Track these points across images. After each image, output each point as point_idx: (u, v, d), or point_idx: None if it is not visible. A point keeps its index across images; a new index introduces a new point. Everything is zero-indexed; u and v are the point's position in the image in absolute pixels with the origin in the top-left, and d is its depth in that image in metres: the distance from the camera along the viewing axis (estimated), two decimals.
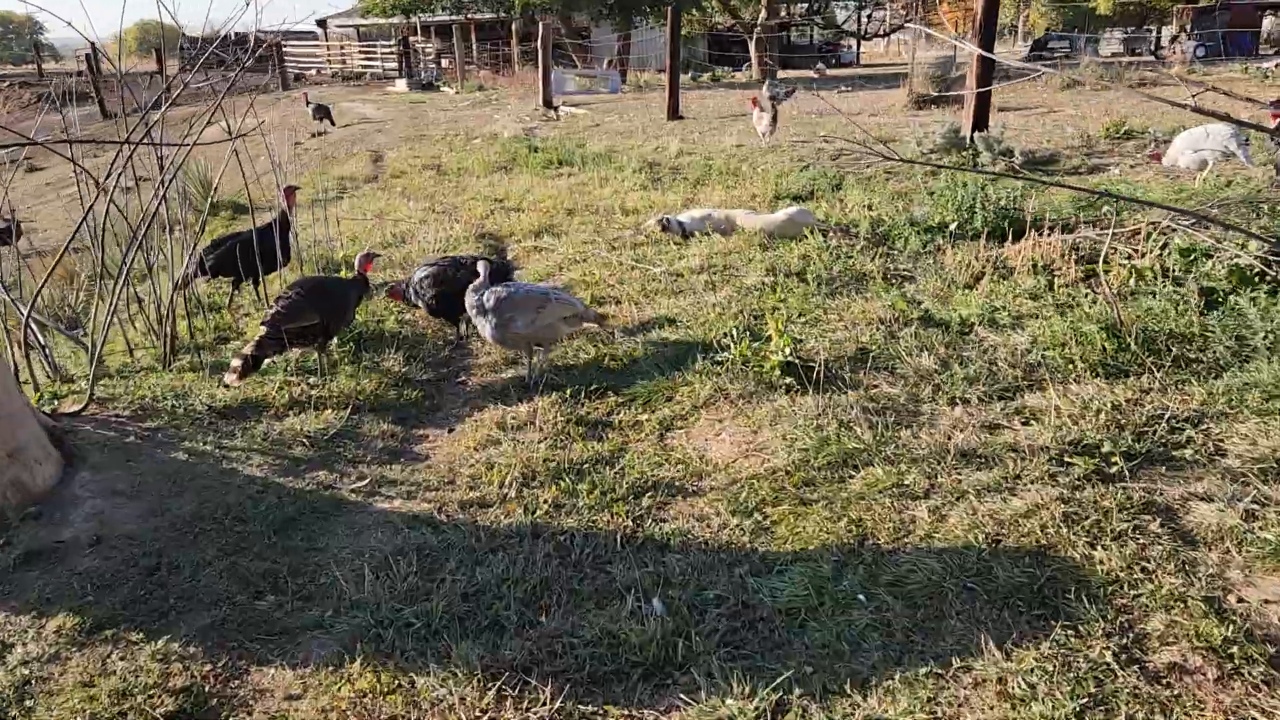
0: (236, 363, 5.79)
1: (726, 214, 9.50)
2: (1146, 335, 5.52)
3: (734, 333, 5.81)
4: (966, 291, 7.16)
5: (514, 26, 33.51)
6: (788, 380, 5.41)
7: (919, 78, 18.79)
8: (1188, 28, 30.84)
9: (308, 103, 22.80)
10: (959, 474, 4.30)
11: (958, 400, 5.07)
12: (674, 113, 18.76)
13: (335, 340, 6.70)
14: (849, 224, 9.40)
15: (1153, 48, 40.39)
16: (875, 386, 5.34)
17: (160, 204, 6.63)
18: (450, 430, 5.55)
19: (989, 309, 6.47)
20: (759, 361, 5.60)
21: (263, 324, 5.81)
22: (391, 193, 13.36)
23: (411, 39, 40.07)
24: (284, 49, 40.24)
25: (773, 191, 11.32)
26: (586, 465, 4.85)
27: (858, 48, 50.88)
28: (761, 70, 30.69)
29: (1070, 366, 5.39)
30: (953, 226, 8.99)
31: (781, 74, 31.22)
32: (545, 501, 4.48)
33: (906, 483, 4.28)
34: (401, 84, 32.21)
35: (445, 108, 25.83)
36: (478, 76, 31.14)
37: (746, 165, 13.30)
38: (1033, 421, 4.75)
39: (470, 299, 5.89)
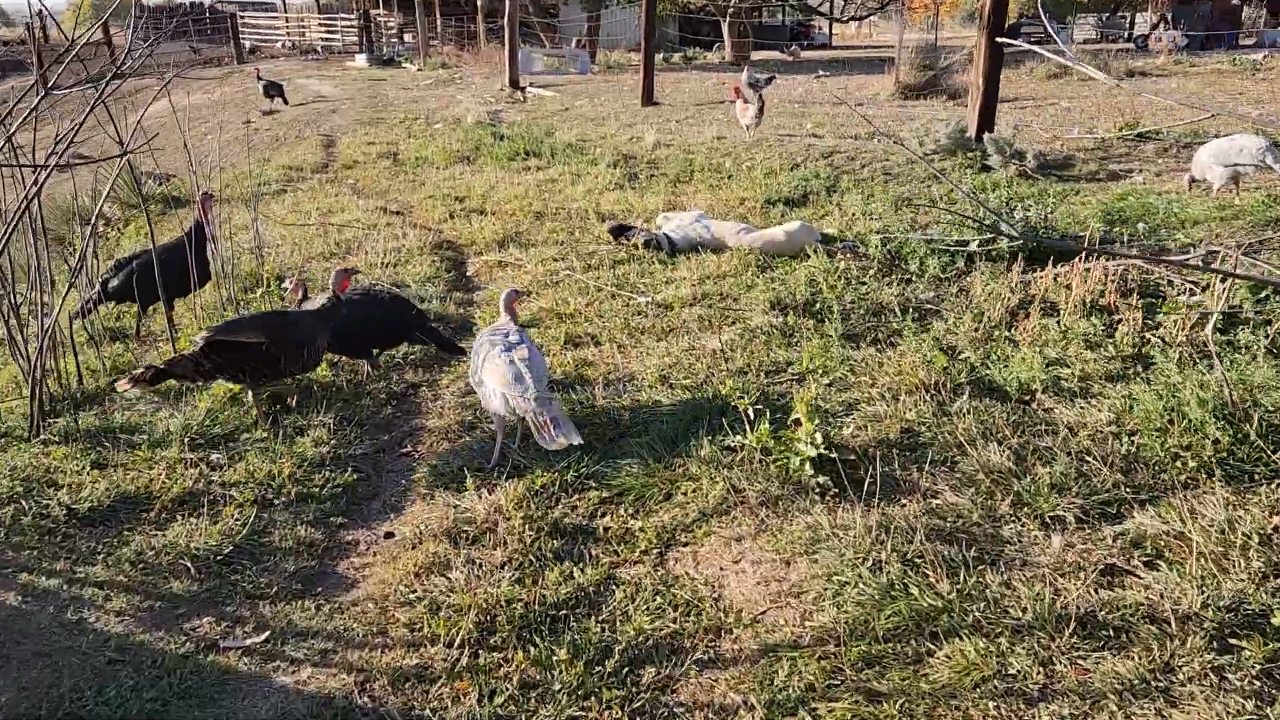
0: (141, 373, 4.82)
1: (717, 230, 8.18)
2: (1268, 423, 4.30)
3: (746, 405, 4.50)
4: (1008, 334, 5.94)
5: (479, 2, 31.81)
6: (822, 480, 4.13)
7: (905, 65, 17.52)
8: (1168, 16, 29.82)
9: (259, 79, 21.15)
10: (1082, 657, 3.05)
11: (1049, 520, 3.82)
12: (649, 98, 17.39)
13: (290, 381, 5.40)
14: (856, 239, 8.13)
15: (1127, 35, 39.38)
16: (936, 493, 4.07)
17: (19, 219, 5.22)
18: (388, 535, 4.23)
19: (1048, 367, 5.24)
20: (783, 452, 4.32)
21: (196, 339, 4.90)
22: (341, 187, 11.91)
23: (373, 12, 38.19)
24: (241, 21, 38.23)
25: (763, 195, 10.04)
26: (564, 610, 3.56)
27: (830, 30, 49.50)
28: (735, 53, 29.30)
29: (1177, 464, 4.17)
30: (974, 244, 7.74)
31: (753, 56, 29.82)
32: (509, 679, 3.19)
33: (1012, 670, 3.03)
34: (361, 59, 30.46)
35: (406, 86, 24.23)
36: (441, 53, 29.48)
37: (730, 161, 12.00)
38: (1160, 562, 3.51)
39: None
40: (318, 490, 4.50)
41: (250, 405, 5.23)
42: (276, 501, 4.40)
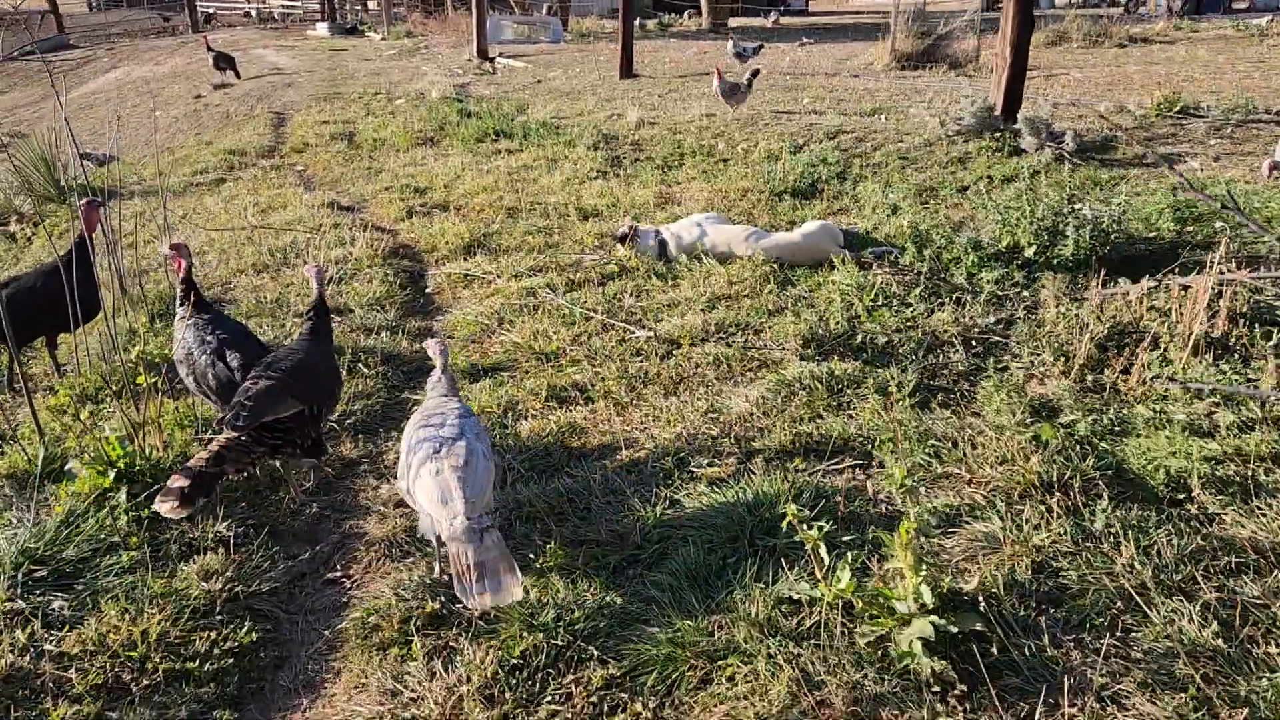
0: (180, 482, 3.44)
1: (719, 236, 6.72)
2: None
3: (802, 524, 3.07)
4: (1105, 378, 4.56)
5: None
6: (939, 666, 2.73)
7: (901, 32, 16.01)
8: None
9: (209, 49, 19.33)
10: None
11: None
12: (627, 70, 15.81)
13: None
14: (888, 244, 6.71)
15: None
16: (1122, 699, 2.67)
17: None
18: None
19: (1194, 446, 3.85)
20: (875, 615, 2.90)
21: (226, 423, 3.65)
22: (288, 175, 10.32)
23: None
24: None
25: (766, 184, 8.57)
26: None
27: None
28: (712, 19, 27.60)
29: None
30: (1030, 251, 6.35)
31: (731, 23, 28.14)
32: None
33: None
34: (322, 28, 28.52)
35: (368, 57, 22.44)
36: (407, 21, 27.60)
37: (724, 143, 10.52)
38: None
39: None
40: (198, 663, 3.05)
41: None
42: (134, 688, 2.95)
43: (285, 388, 3.82)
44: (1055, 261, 6.32)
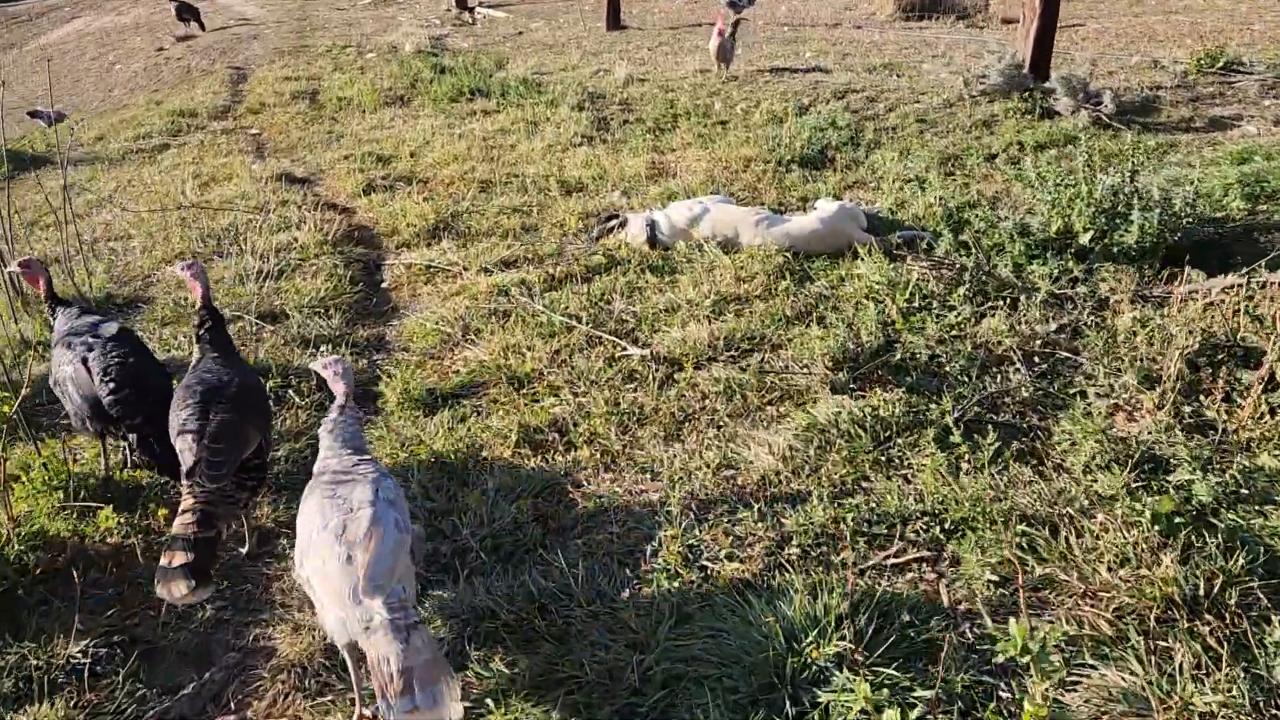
0: (183, 558, 2.72)
1: (723, 219, 5.68)
2: None
3: (862, 693, 2.10)
4: (1209, 411, 3.60)
5: None
6: None
7: None
8: None
9: None
10: None
11: None
12: (614, 21, 14.59)
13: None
14: (917, 227, 5.70)
15: None
16: None
17: None
18: None
19: None
20: None
21: (201, 474, 2.95)
22: (238, 141, 9.19)
23: None
24: None
25: (770, 151, 7.52)
26: None
27: None
28: None
29: None
30: (1086, 238, 5.33)
31: None
32: None
33: None
34: None
35: (342, 6, 21.03)
36: None
37: (721, 102, 9.42)
38: None
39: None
40: None
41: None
42: None
43: (244, 419, 3.15)
44: (1116, 250, 5.31)
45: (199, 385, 3.18)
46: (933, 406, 3.76)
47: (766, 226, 5.58)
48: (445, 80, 11.03)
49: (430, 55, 12.94)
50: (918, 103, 8.80)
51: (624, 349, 4.36)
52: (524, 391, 4.12)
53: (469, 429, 3.86)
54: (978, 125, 8.09)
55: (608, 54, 12.50)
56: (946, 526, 2.99)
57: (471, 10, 17.98)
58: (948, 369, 4.23)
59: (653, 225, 5.70)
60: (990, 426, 3.68)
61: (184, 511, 2.86)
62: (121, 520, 3.29)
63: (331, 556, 2.41)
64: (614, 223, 5.86)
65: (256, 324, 4.73)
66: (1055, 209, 5.59)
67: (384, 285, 5.59)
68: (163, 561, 2.72)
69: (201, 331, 3.40)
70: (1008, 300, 4.85)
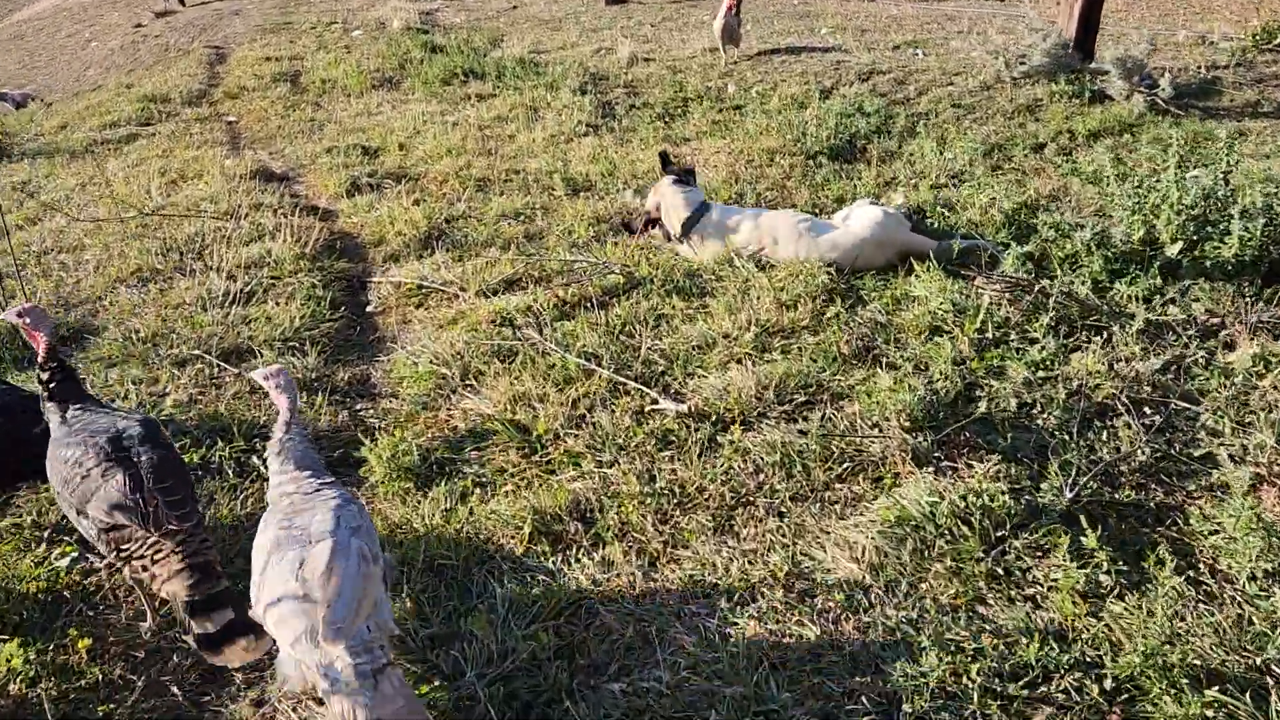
0: (226, 614, 2.35)
1: (764, 228, 4.91)
2: None
3: None
4: None
5: None
6: None
7: None
8: None
9: None
10: None
11: None
12: None
13: None
14: (974, 235, 4.93)
15: None
16: None
17: None
18: None
19: None
20: None
21: (172, 518, 2.46)
22: (213, 130, 8.36)
23: None
24: None
25: (795, 141, 6.74)
26: None
27: None
28: None
29: None
30: (1174, 250, 4.57)
31: None
32: None
33: None
34: None
35: None
36: None
37: (734, 84, 8.62)
38: None
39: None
40: None
41: None
42: None
43: (171, 450, 2.73)
44: (1210, 263, 4.55)
45: (93, 438, 2.57)
46: (1042, 486, 3.01)
47: (810, 236, 4.81)
48: (437, 61, 10.18)
49: (421, 33, 12.06)
50: (951, 85, 8.00)
51: (655, 401, 3.59)
52: (536, 457, 3.37)
53: (471, 511, 3.11)
54: (1020, 111, 7.31)
55: (609, 30, 11.64)
56: (1106, 685, 2.24)
57: None
58: (1041, 421, 3.49)
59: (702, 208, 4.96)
60: (1113, 511, 2.95)
61: (172, 577, 2.37)
62: (32, 658, 2.54)
63: (288, 595, 2.13)
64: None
65: (218, 366, 3.96)
66: (1136, 214, 4.82)
67: (370, 308, 4.81)
68: (198, 626, 2.33)
69: (53, 386, 2.74)
70: (1097, 329, 4.10)
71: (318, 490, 2.40)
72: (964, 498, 2.83)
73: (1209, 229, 4.65)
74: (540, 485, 3.22)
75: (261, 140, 8.05)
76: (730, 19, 9.12)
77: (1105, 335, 4.06)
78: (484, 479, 3.31)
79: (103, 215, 5.96)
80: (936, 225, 5.21)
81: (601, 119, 7.91)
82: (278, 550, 2.22)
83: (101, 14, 18.31)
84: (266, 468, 2.55)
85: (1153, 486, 3.16)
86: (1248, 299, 4.37)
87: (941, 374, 3.71)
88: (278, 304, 4.63)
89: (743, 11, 9.83)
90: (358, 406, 3.84)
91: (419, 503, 3.19)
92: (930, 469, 3.14)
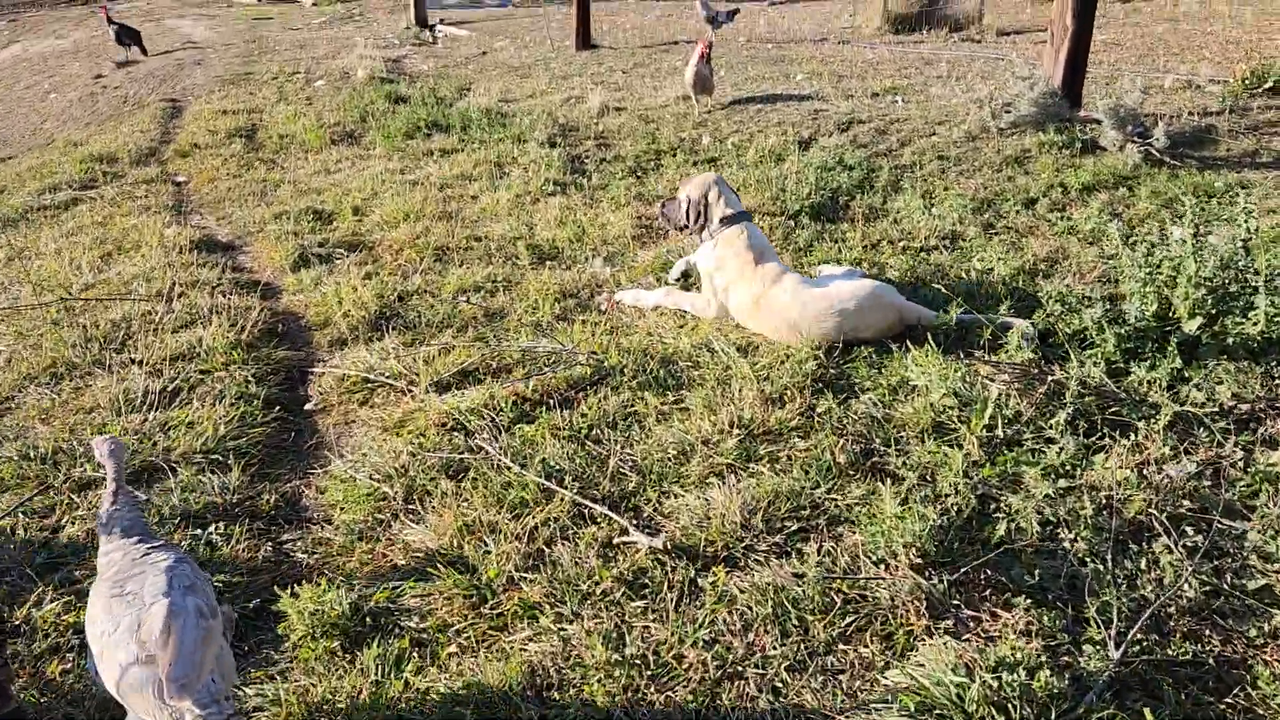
0: None
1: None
2: None
3: None
4: None
5: None
6: None
7: None
8: None
9: (109, 22, 16.46)
10: None
11: None
12: (584, 41, 13.31)
13: None
14: (971, 311, 4.46)
15: None
16: None
17: None
18: None
19: None
20: None
21: None
22: (159, 194, 7.83)
23: None
24: None
25: (774, 199, 6.31)
26: None
27: None
28: None
29: None
30: (1193, 325, 4.12)
31: None
32: None
33: None
34: None
35: (296, 26, 19.60)
36: None
37: (709, 135, 8.19)
38: None
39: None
40: None
41: None
42: None
43: None
44: (1234, 338, 4.10)
45: None
46: (1084, 647, 2.51)
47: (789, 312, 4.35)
48: (401, 113, 9.72)
49: (386, 82, 11.61)
50: (934, 135, 7.59)
51: (625, 531, 3.07)
52: (487, 609, 2.83)
53: (406, 686, 2.57)
54: (1009, 162, 6.90)
55: (579, 78, 11.22)
56: None
57: (432, 29, 16.65)
58: (1069, 545, 3.00)
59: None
60: (1168, 675, 2.45)
61: None
62: None
63: (129, 658, 2.13)
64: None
65: (147, 539, 3.40)
66: (1148, 286, 4.37)
67: (309, 406, 4.28)
68: None
69: None
70: (1121, 427, 3.63)
71: (146, 555, 2.38)
72: (996, 673, 2.32)
73: (1230, 302, 4.21)
74: (490, 648, 2.68)
75: (209, 204, 7.53)
76: (702, 67, 8.69)
77: (1128, 431, 3.59)
78: (425, 637, 2.78)
79: (24, 299, 5.41)
80: (930, 295, 4.75)
81: (570, 175, 7.45)
82: (111, 619, 2.21)
83: (62, 64, 17.80)
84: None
85: (1207, 633, 2.67)
86: (1277, 381, 3.91)
87: (952, 487, 3.22)
88: (204, 405, 4.09)
89: (714, 59, 9.43)
90: (284, 538, 3.30)
91: (345, 670, 2.65)
92: (949, 620, 2.63)
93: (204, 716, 2.05)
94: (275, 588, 2.95)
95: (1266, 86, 7.85)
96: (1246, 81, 7.88)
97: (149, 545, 2.43)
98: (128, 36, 16.25)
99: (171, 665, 2.08)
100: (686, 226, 4.87)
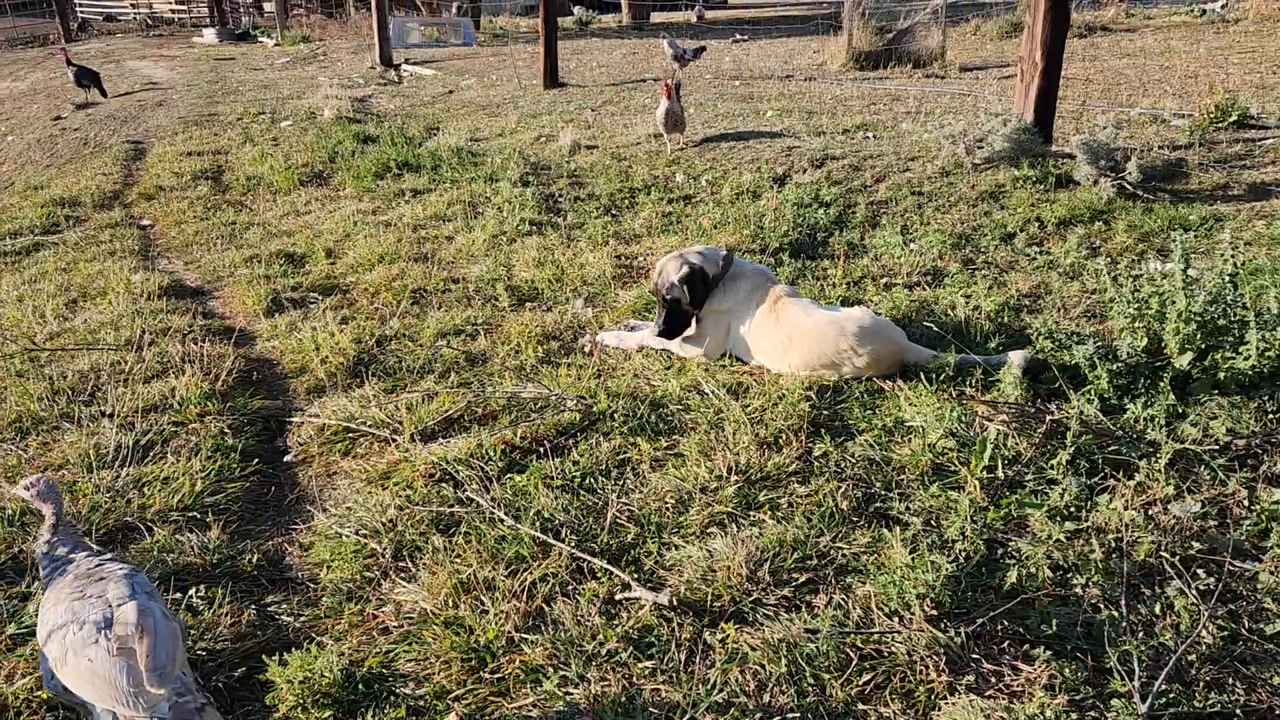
0: None
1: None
2: None
3: None
4: None
5: None
6: None
7: (858, 27, 13.77)
8: None
9: (68, 63, 16.24)
10: None
11: None
12: (552, 79, 13.31)
13: None
14: (965, 351, 4.42)
15: None
16: None
17: None
18: None
19: None
20: None
21: None
22: (124, 238, 7.65)
23: None
24: None
25: (753, 236, 6.29)
26: None
27: None
28: (633, 17, 25.11)
29: None
30: (1183, 360, 4.10)
31: (654, 19, 25.72)
32: None
33: None
34: (210, 34, 25.13)
35: (258, 66, 19.46)
36: (303, 25, 24.56)
37: (683, 173, 8.17)
38: None
39: None
40: None
41: None
42: None
43: None
44: (1226, 374, 4.09)
45: None
46: (1111, 700, 2.43)
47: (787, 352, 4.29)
48: (369, 153, 9.62)
49: (353, 122, 11.52)
50: (908, 171, 7.61)
51: (627, 586, 2.96)
52: (486, 674, 2.70)
53: None
54: (984, 198, 6.92)
55: (548, 116, 11.19)
56: None
57: (397, 68, 16.60)
58: (1082, 591, 2.93)
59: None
60: None
61: None
62: None
63: (99, 651, 2.20)
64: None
65: (97, 555, 3.24)
66: (1137, 321, 4.36)
67: (288, 458, 4.13)
68: None
69: None
70: (1122, 467, 3.58)
71: (101, 565, 2.46)
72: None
73: (1220, 337, 4.20)
74: (492, 716, 2.55)
75: (177, 248, 7.37)
76: (673, 104, 8.68)
77: (1129, 470, 3.54)
78: (423, 703, 2.64)
79: None
80: (919, 333, 4.70)
81: (546, 214, 7.38)
82: (74, 619, 2.27)
83: (20, 106, 17.52)
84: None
85: (1230, 682, 2.60)
86: (1270, 416, 3.90)
87: (959, 533, 3.14)
88: (179, 458, 3.93)
89: (684, 97, 9.43)
90: (268, 600, 3.15)
91: None
92: (969, 675, 2.54)
93: (181, 704, 2.14)
94: (262, 655, 2.78)
95: (1231, 120, 7.96)
96: (1211, 115, 7.99)
97: (100, 558, 2.50)
98: (87, 78, 16.05)
99: (149, 656, 2.17)
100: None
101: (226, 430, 4.19)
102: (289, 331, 5.32)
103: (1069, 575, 3.00)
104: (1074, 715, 2.35)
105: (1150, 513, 3.30)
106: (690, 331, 4.71)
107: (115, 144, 11.78)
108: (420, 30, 20.54)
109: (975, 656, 2.61)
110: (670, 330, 4.54)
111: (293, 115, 12.52)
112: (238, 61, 20.31)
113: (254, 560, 3.35)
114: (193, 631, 2.90)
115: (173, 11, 32.09)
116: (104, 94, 16.09)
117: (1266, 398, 4.00)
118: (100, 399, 4.50)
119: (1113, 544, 3.12)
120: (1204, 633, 2.75)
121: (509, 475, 3.69)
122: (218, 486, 3.76)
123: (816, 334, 4.28)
